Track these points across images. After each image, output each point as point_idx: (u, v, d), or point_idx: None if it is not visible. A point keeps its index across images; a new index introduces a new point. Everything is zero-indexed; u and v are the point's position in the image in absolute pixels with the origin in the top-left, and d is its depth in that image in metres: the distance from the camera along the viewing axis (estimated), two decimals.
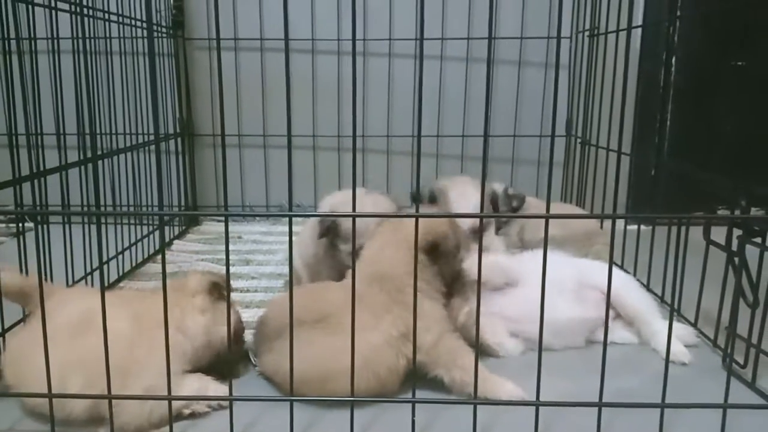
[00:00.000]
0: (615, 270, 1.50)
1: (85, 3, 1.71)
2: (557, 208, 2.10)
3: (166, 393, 1.00)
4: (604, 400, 0.99)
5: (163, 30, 2.34)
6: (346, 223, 1.47)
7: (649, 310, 1.43)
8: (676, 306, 1.50)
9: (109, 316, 0.97)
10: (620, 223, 2.08)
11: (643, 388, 1.23)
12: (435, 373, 1.16)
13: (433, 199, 1.60)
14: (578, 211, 2.11)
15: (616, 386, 1.21)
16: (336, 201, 1.57)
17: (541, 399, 0.99)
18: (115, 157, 1.88)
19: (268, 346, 1.22)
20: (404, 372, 1.16)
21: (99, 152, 1.80)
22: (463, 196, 1.62)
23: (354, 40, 0.91)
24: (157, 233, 2.03)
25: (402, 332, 1.13)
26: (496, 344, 1.37)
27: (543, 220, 0.92)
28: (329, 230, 1.49)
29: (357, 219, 1.40)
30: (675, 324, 1.34)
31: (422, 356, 1.13)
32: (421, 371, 1.15)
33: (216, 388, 1.14)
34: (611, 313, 1.40)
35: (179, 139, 2.46)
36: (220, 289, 1.19)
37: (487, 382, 1.14)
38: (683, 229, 1.47)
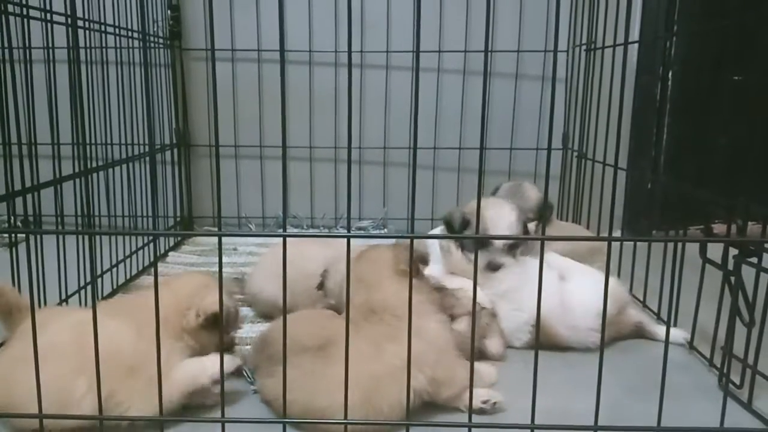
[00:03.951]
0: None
1: (81, 15, 1.71)
2: (562, 226, 2.10)
3: (169, 379, 1.06)
4: (599, 423, 0.99)
5: (160, 40, 2.34)
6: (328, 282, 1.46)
7: None
8: (672, 324, 1.50)
9: (113, 321, 1.09)
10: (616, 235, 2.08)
11: (639, 408, 1.22)
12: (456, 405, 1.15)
13: (465, 226, 1.54)
14: (582, 229, 2.11)
15: (612, 406, 1.21)
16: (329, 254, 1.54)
17: (536, 422, 0.99)
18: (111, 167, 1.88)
19: (269, 370, 1.18)
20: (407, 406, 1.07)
21: (95, 162, 1.79)
22: (500, 216, 1.60)
23: (350, 51, 0.90)
24: (151, 245, 2.02)
25: (406, 363, 1.02)
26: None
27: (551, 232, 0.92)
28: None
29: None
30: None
31: (446, 392, 1.14)
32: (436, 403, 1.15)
33: (213, 362, 1.14)
34: None
35: (176, 150, 2.46)
36: (224, 321, 1.18)
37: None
38: (679, 246, 1.47)
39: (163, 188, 2.35)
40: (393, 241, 1.38)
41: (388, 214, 2.63)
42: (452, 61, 2.54)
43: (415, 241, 0.90)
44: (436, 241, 1.60)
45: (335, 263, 1.42)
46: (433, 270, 1.46)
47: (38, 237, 1.40)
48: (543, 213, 1.79)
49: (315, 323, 1.22)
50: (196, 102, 2.56)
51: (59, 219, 1.58)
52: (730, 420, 1.06)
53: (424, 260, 1.34)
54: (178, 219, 2.47)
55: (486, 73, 0.95)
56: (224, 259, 2.14)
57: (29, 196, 1.37)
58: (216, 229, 2.15)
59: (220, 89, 2.52)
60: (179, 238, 2.40)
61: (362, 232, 2.56)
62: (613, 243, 0.96)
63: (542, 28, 2.48)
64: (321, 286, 1.45)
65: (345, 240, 0.91)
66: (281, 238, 0.91)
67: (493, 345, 1.41)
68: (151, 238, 2.05)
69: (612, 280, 1.53)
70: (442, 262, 1.53)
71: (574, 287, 1.50)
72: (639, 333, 1.56)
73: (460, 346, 1.18)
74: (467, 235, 1.49)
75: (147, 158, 2.06)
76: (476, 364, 1.26)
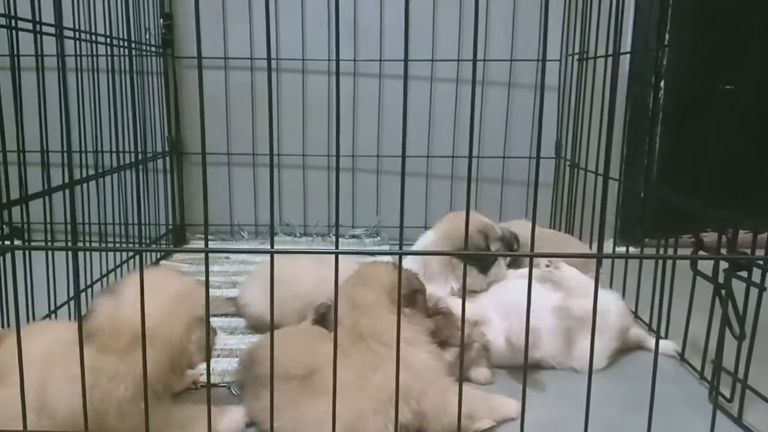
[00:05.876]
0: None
1: (72, 25, 1.70)
2: (549, 236, 2.09)
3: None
4: None
5: (152, 49, 2.33)
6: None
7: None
8: (663, 335, 1.50)
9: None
10: (608, 245, 2.08)
11: (629, 420, 1.22)
12: None
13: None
14: (571, 239, 2.11)
15: (602, 418, 1.21)
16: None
17: None
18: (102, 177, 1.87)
19: (255, 392, 1.14)
20: None
21: (86, 170, 1.78)
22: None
23: (338, 60, 0.89)
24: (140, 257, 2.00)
25: (392, 396, 0.98)
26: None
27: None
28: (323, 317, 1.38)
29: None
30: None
31: (435, 426, 1.09)
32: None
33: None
34: None
35: (168, 158, 2.45)
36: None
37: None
38: (669, 261, 1.47)
39: (155, 196, 2.34)
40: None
41: (382, 222, 2.63)
42: (445, 70, 2.54)
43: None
44: (435, 260, 1.53)
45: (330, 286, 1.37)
46: (438, 291, 1.42)
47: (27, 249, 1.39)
48: (510, 244, 1.76)
49: (301, 348, 1.18)
50: (190, 110, 2.55)
51: (48, 227, 1.56)
52: None
53: (422, 291, 1.27)
54: (170, 227, 2.46)
55: (474, 82, 0.95)
56: (216, 268, 2.17)
57: (19, 210, 1.36)
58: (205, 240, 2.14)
59: (213, 97, 2.52)
60: (171, 246, 2.38)
61: (353, 242, 2.55)
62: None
63: (535, 37, 2.49)
64: (320, 319, 1.36)
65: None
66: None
67: (479, 374, 1.37)
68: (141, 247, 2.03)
69: (619, 305, 1.52)
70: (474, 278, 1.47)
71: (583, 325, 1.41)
72: (637, 347, 1.55)
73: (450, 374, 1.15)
74: (459, 251, 1.46)
75: (138, 167, 2.05)
76: (495, 397, 1.24)
